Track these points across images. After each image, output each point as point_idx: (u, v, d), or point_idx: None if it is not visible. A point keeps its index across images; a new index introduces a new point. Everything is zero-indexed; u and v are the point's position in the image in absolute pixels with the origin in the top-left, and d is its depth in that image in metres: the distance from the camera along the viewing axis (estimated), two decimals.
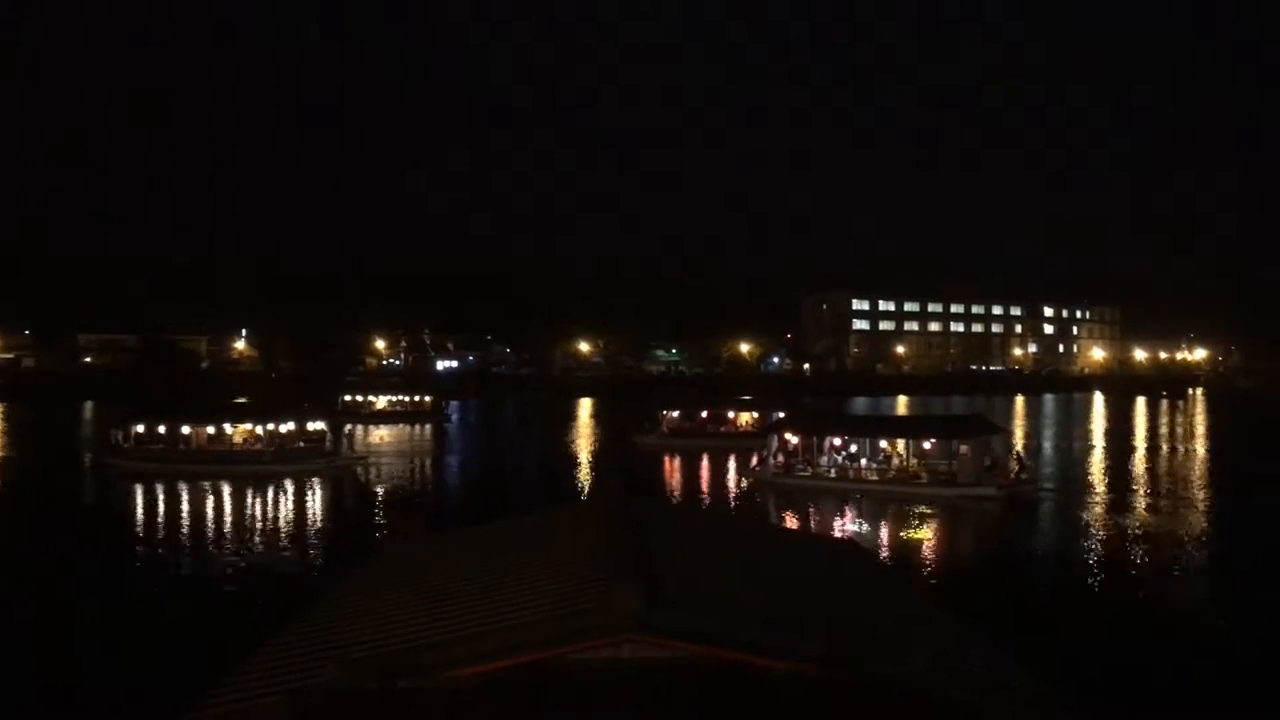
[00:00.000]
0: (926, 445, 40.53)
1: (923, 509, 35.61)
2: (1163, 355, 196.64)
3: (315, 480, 43.29)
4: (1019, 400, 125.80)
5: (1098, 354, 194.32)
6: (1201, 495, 40.99)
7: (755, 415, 58.55)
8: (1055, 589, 25.23)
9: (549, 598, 8.46)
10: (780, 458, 42.56)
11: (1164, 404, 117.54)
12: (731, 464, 49.07)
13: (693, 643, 7.63)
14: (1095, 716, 13.99)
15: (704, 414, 59.76)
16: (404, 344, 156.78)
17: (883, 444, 41.26)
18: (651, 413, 61.50)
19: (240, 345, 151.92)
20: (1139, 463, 53.92)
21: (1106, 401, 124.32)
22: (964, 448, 38.66)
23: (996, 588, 24.79)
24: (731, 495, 41.63)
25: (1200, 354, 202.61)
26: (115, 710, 15.67)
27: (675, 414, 59.99)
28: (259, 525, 33.55)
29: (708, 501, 40.37)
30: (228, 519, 34.36)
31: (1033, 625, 20.05)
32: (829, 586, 24.58)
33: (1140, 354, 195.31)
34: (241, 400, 63.44)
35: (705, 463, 50.63)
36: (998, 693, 15.73)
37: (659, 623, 7.48)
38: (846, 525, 34.10)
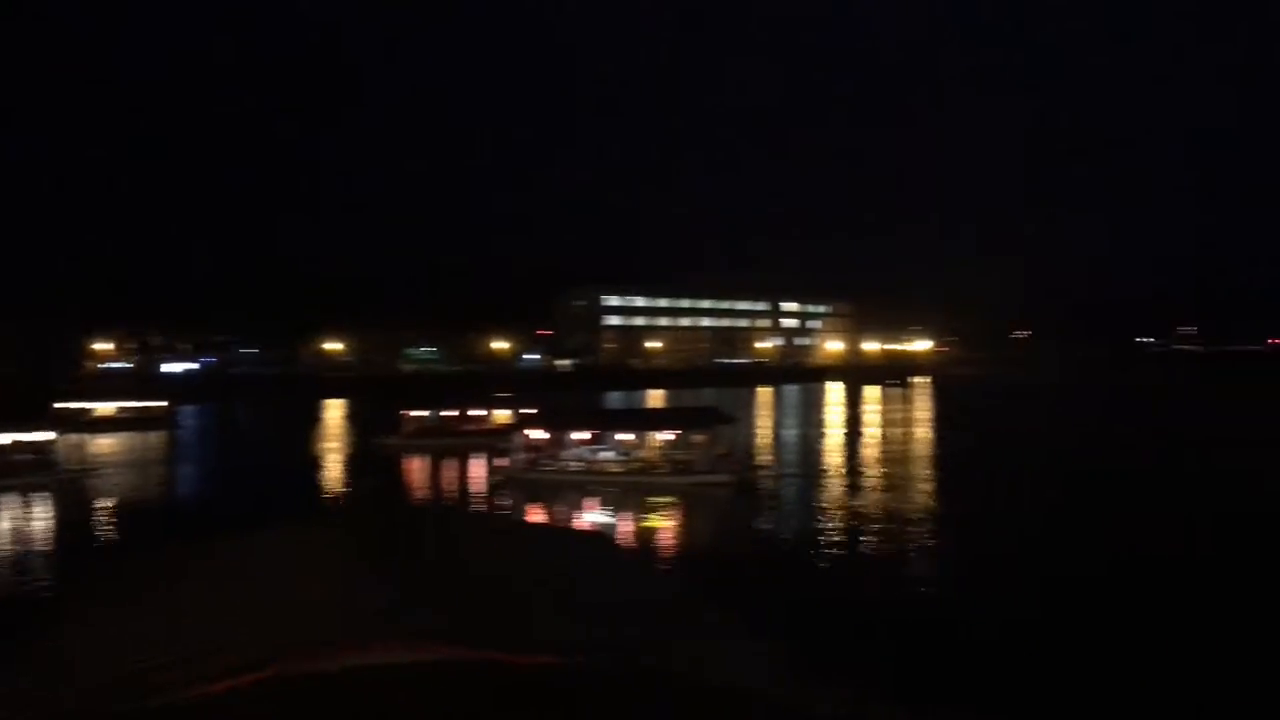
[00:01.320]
0: (665, 437, 41.93)
1: (662, 498, 36.88)
2: (891, 346, 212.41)
3: (34, 495, 39.52)
4: (764, 392, 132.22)
5: (834, 346, 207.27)
6: (923, 472, 44.72)
7: (506, 413, 58.47)
8: (794, 566, 26.85)
9: (291, 608, 8.12)
10: (527, 454, 42.89)
11: (891, 391, 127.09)
12: (479, 463, 48.82)
13: (444, 643, 7.50)
14: (845, 689, 14.99)
15: (451, 413, 58.92)
16: (130, 346, 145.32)
17: (624, 436, 42.33)
18: (395, 413, 60.03)
19: None
20: (870, 446, 58.02)
21: (843, 391, 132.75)
22: (699, 438, 40.30)
23: (738, 569, 26.17)
24: (479, 494, 41.44)
25: (923, 344, 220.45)
26: None
27: (420, 414, 58.80)
28: None
29: (455, 501, 40.01)
30: None
31: (775, 602, 21.31)
32: (579, 578, 24.76)
33: (871, 345, 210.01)
34: None
35: (453, 463, 50.08)
36: (747, 671, 16.40)
37: (408, 625, 7.32)
38: (593, 517, 34.82)
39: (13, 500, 38.48)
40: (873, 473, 45.53)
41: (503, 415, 57.43)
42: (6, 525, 34.19)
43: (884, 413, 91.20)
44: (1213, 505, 36.55)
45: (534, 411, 49.43)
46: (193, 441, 67.25)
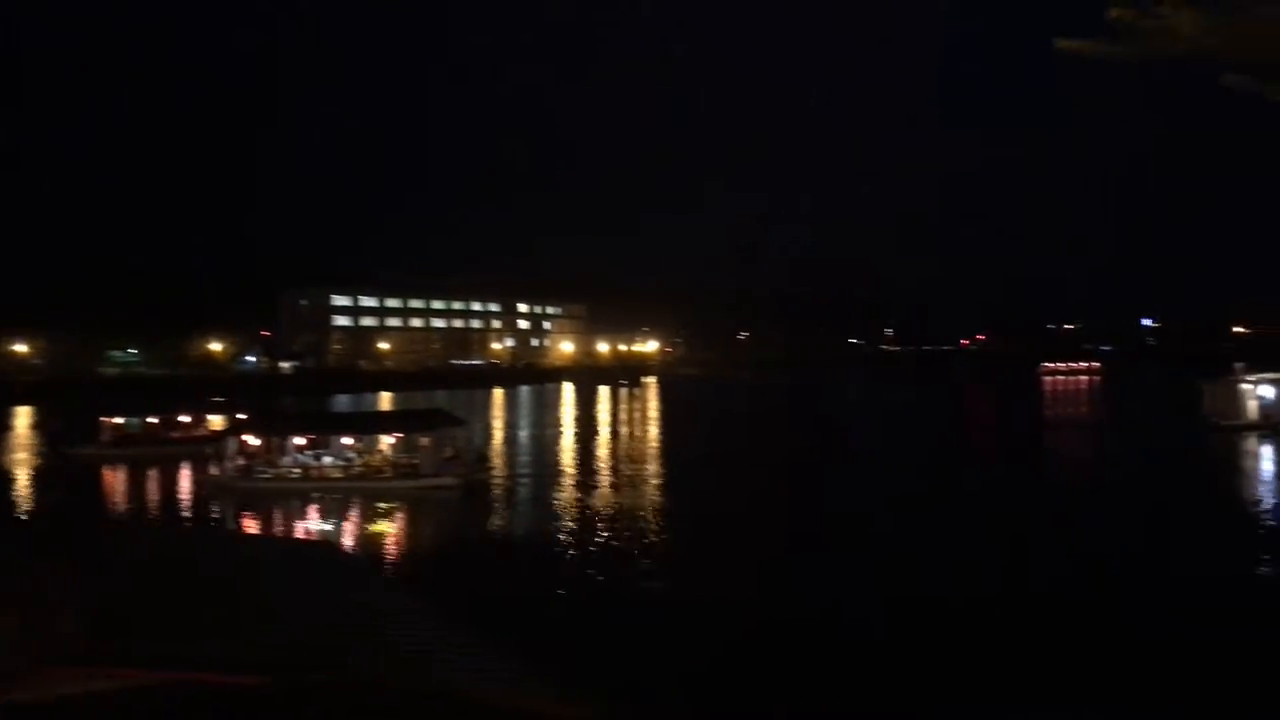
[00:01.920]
0: (389, 441, 40.88)
1: (387, 503, 35.91)
2: (622, 347, 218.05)
3: None
4: (498, 392, 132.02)
5: (567, 347, 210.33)
6: (654, 470, 46.03)
7: (218, 418, 54.84)
8: (523, 567, 26.78)
9: None
10: (240, 461, 40.58)
11: (622, 392, 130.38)
12: (187, 472, 45.61)
13: (140, 667, 6.69)
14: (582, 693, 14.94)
15: (155, 419, 54.61)
16: None
17: (346, 441, 40.90)
18: (90, 421, 54.95)
19: None
20: (601, 445, 59.09)
21: (575, 391, 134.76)
22: (425, 441, 39.59)
23: (465, 573, 25.84)
24: (186, 504, 38.73)
25: (653, 346, 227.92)
26: None
27: (119, 421, 54.12)
28: None
29: (157, 513, 37.18)
30: None
31: (505, 605, 21.12)
32: (297, 589, 23.46)
33: (603, 346, 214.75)
34: None
35: (156, 473, 46.44)
36: (473, 676, 15.92)
37: (101, 649, 6.47)
38: (313, 525, 33.44)
39: None
40: (598, 470, 46.44)
41: (215, 421, 53.88)
42: None
43: (614, 412, 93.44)
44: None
45: (246, 417, 46.69)
46: None
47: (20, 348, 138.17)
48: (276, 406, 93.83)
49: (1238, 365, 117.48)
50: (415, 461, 39.46)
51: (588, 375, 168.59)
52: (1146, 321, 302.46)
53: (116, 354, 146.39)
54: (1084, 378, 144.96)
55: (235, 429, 42.35)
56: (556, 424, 78.54)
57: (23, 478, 47.17)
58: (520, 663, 16.91)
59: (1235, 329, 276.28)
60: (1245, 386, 57.10)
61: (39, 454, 56.80)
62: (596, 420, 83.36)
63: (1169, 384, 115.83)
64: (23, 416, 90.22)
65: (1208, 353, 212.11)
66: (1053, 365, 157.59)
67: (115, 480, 45.38)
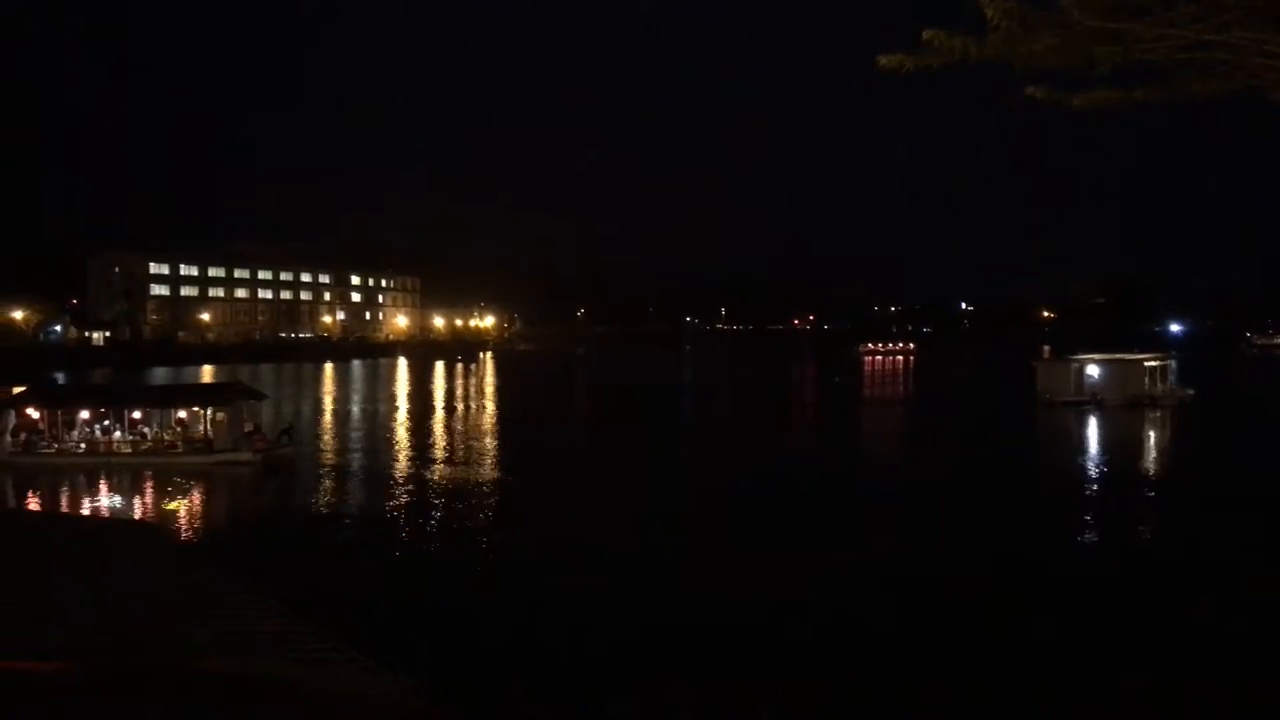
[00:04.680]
0: (181, 414, 39.60)
1: (179, 479, 34.86)
2: (458, 322, 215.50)
3: None
4: (329, 366, 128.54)
5: (401, 321, 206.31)
6: (489, 445, 46.09)
7: None
8: (319, 541, 26.52)
9: None
10: (20, 435, 38.58)
11: (459, 367, 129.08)
12: None
13: None
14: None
15: None
16: None
17: (135, 414, 39.39)
18: None
19: None
20: (436, 421, 58.54)
21: (409, 366, 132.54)
22: (220, 415, 38.58)
23: (259, 547, 25.46)
24: None
25: (489, 321, 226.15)
26: None
27: None
28: None
29: None
30: None
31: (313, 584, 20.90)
32: (92, 570, 22.58)
33: (439, 321, 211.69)
34: None
35: None
36: (288, 654, 15.79)
37: None
38: (102, 501, 32.26)
39: None
40: (413, 444, 46.24)
41: None
42: None
43: (448, 387, 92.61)
44: None
45: (27, 389, 44.20)
46: None
47: None
48: (86, 380, 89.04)
49: (1045, 347, 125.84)
50: (210, 435, 38.38)
51: (422, 349, 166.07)
52: (964, 305, 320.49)
53: None
54: (900, 358, 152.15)
55: (14, 401, 40.09)
56: (387, 399, 77.21)
57: None
58: (335, 642, 16.86)
59: (1044, 313, 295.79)
60: (1074, 366, 61.63)
61: None
62: (432, 395, 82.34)
63: (988, 363, 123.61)
64: None
65: (1016, 334, 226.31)
66: (872, 345, 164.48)
67: None
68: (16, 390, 42.03)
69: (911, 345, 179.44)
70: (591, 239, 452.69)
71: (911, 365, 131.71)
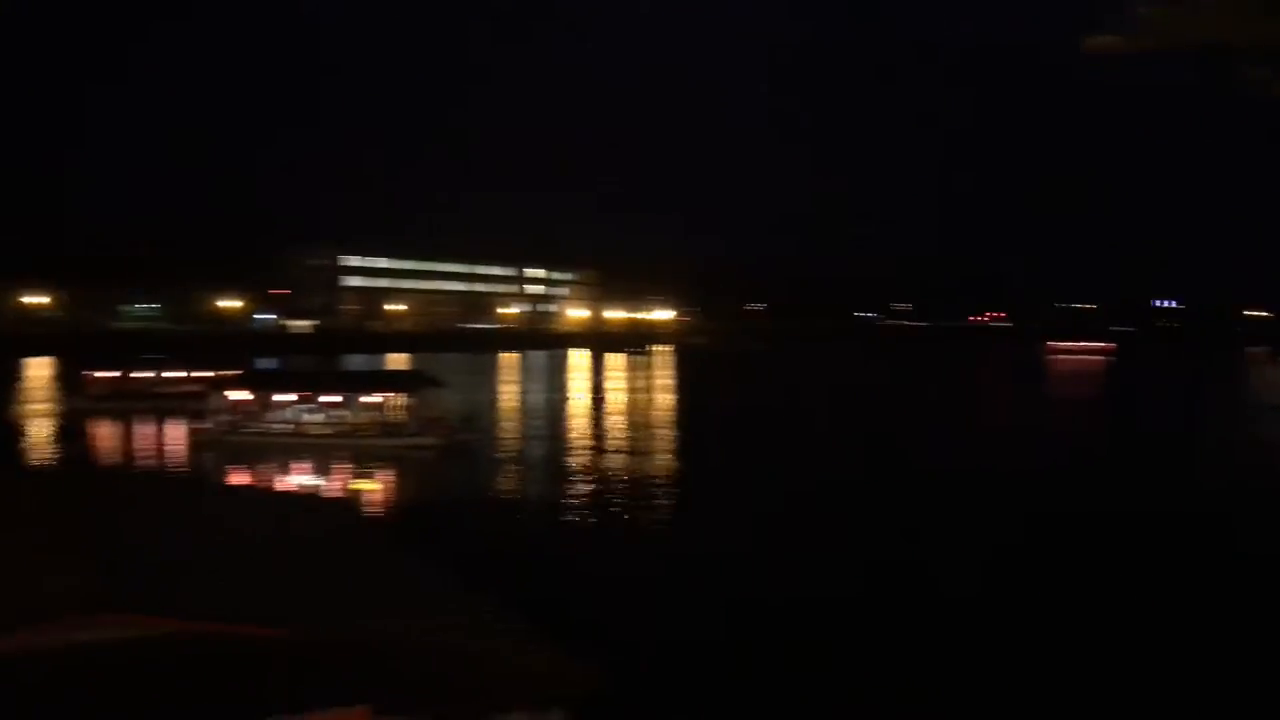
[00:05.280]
0: (375, 399, 41.19)
1: (371, 461, 36.26)
2: (633, 315, 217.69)
3: None
4: (510, 356, 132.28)
5: (578, 313, 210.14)
6: (665, 435, 46.37)
7: (208, 373, 55.21)
8: (505, 524, 27.05)
9: None
10: (229, 416, 41.06)
11: (634, 359, 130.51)
12: (176, 426, 46.08)
13: (150, 615, 6.78)
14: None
15: (145, 374, 54.87)
16: None
17: (331, 398, 41.26)
18: (78, 373, 55.40)
19: None
20: (614, 411, 59.24)
21: (587, 357, 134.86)
22: (408, 401, 39.94)
23: (449, 528, 26.14)
24: (174, 458, 39.24)
25: (664, 314, 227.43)
26: None
27: (107, 374, 54.51)
28: None
29: (143, 466, 37.66)
30: None
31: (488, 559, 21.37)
32: (295, 544, 23.74)
33: (614, 313, 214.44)
34: None
35: (146, 426, 47.00)
36: (473, 633, 16.00)
37: (102, 598, 6.58)
38: (301, 480, 33.89)
39: None
40: (593, 434, 46.68)
41: (204, 376, 54.36)
42: None
43: (625, 379, 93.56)
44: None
45: (237, 372, 47.08)
46: None
47: (36, 299, 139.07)
48: (293, 364, 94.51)
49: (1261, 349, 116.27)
50: (399, 420, 39.78)
51: (599, 341, 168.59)
52: (1168, 303, 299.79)
53: (134, 308, 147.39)
54: (1097, 357, 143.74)
55: (223, 384, 42.71)
56: (565, 389, 78.55)
57: (29, 428, 47.82)
58: (523, 620, 17.06)
59: (1246, 313, 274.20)
60: None
61: (45, 407, 57.40)
62: (605, 386, 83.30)
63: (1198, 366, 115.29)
64: (35, 368, 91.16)
65: (1221, 336, 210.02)
66: (1061, 344, 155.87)
67: (107, 433, 45.91)
68: (227, 373, 44.84)
69: (1109, 345, 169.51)
70: (759, 233, 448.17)
71: (1111, 367, 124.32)
